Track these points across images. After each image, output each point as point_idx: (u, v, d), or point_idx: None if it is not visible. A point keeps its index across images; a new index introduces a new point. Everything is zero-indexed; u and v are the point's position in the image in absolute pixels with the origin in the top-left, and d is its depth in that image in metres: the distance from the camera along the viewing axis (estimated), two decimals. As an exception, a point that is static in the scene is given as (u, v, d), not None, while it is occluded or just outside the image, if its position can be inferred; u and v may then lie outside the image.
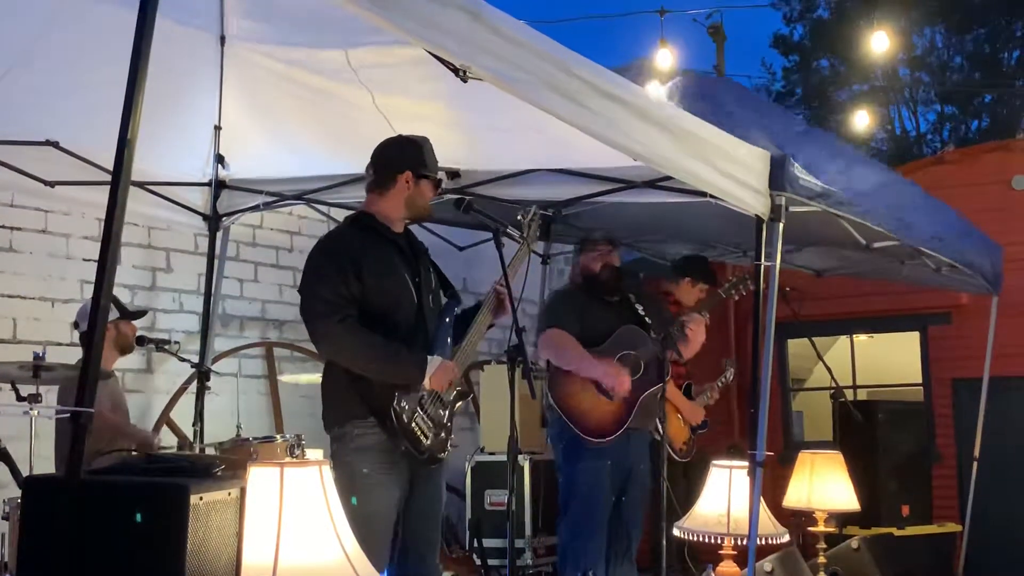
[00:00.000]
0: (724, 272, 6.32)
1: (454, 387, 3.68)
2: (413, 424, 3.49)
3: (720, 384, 5.90)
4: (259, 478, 2.48)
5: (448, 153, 4.07)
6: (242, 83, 4.31)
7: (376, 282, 3.53)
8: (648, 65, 10.11)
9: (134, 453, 4.23)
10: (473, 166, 4.61)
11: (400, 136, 3.75)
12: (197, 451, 4.75)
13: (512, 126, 3.94)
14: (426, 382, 3.50)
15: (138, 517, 2.03)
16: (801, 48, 22.92)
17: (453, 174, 4.59)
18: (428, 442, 3.53)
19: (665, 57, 9.57)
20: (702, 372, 5.91)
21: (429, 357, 3.53)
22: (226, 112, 4.49)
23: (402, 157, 3.67)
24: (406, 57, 3.55)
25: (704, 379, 5.88)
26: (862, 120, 15.38)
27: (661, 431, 4.78)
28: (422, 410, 3.53)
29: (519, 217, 3.97)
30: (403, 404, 3.47)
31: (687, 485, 4.33)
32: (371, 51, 3.68)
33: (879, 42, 9.10)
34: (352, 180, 4.83)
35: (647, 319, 4.81)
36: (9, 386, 4.24)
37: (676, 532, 4.24)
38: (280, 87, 4.26)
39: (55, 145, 4.36)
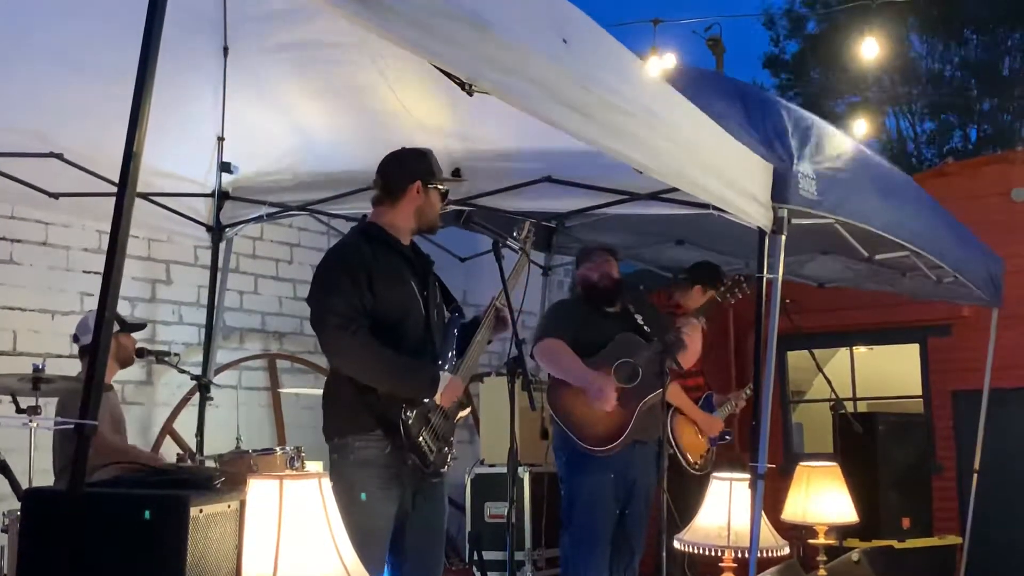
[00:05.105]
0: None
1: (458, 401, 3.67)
2: (420, 438, 3.47)
3: (746, 395, 5.80)
4: (259, 490, 2.48)
5: (454, 160, 4.08)
6: (245, 94, 4.31)
7: (386, 293, 3.50)
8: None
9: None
10: (477, 175, 4.60)
11: (404, 148, 3.74)
12: (197, 463, 4.74)
13: (518, 135, 3.93)
14: (437, 397, 3.49)
15: (147, 514, 2.03)
16: (795, 60, 22.92)
17: (455, 174, 4.56)
18: (433, 456, 3.52)
19: (656, 67, 9.56)
20: (716, 384, 5.88)
21: (441, 372, 3.52)
22: (229, 122, 4.49)
23: (410, 167, 3.66)
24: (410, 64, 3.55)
25: (720, 391, 5.82)
26: (860, 131, 15.39)
27: (662, 440, 4.74)
28: (428, 423, 3.51)
29: (515, 233, 3.96)
30: (411, 417, 3.45)
31: (701, 497, 4.30)
32: (373, 57, 3.69)
33: (872, 50, 9.12)
34: (356, 191, 4.82)
35: (646, 328, 4.79)
36: (9, 398, 4.23)
37: (676, 545, 4.23)
38: (283, 97, 4.26)
39: (59, 157, 4.36)
